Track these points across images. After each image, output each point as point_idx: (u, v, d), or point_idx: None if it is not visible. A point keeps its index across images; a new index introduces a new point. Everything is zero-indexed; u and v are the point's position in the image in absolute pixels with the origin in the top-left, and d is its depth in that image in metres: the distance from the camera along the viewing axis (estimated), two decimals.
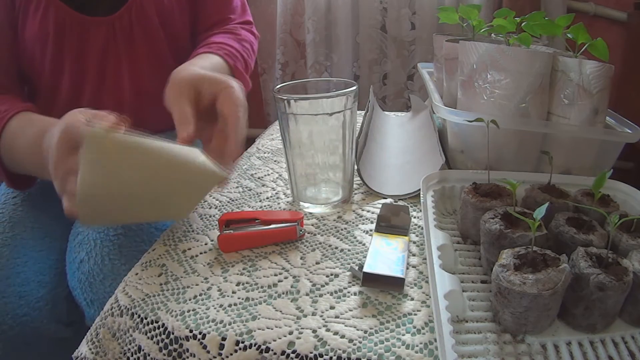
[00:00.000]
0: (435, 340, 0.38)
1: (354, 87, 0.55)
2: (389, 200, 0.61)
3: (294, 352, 0.38)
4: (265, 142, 0.86)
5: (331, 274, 0.47)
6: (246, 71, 0.79)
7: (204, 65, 0.67)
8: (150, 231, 0.61)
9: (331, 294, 0.45)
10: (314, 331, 0.40)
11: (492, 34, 0.75)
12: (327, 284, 0.46)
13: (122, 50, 0.75)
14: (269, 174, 0.71)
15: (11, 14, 0.69)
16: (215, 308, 0.43)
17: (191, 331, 0.41)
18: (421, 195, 0.53)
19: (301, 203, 0.60)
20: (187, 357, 0.40)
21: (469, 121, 0.55)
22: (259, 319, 0.41)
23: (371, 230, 0.54)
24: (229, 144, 0.51)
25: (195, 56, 0.72)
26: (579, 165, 0.60)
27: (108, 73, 0.75)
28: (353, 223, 0.56)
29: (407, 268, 0.48)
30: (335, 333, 0.40)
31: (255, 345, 0.39)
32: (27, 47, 0.70)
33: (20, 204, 0.71)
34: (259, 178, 0.70)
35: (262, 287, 0.46)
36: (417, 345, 0.38)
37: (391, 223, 0.53)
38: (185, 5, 0.80)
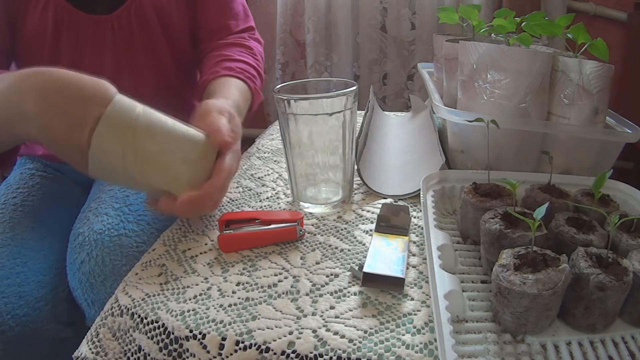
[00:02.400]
0: (435, 340, 0.38)
1: (354, 87, 0.55)
2: (389, 200, 0.61)
3: (294, 352, 0.38)
4: (265, 142, 0.86)
5: (331, 274, 0.47)
6: (261, 87, 0.79)
7: (235, 95, 0.66)
8: (150, 232, 0.61)
9: (331, 294, 0.45)
10: (314, 331, 0.40)
11: (492, 34, 0.75)
12: (327, 284, 0.46)
13: (120, 49, 0.75)
14: (269, 174, 0.71)
15: (10, 10, 0.68)
16: (215, 308, 0.43)
17: (191, 331, 0.41)
18: (421, 195, 0.53)
19: (301, 203, 0.60)
20: (187, 357, 0.40)
21: (469, 121, 0.55)
22: (259, 319, 0.41)
23: (371, 230, 0.54)
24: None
25: (220, 77, 0.71)
26: (579, 165, 0.60)
27: (105, 72, 0.75)
28: (353, 223, 0.56)
29: (407, 268, 0.48)
30: (335, 333, 0.40)
31: (255, 345, 0.39)
32: (24, 44, 0.70)
33: (21, 204, 0.71)
34: (259, 178, 0.70)
35: (262, 287, 0.46)
36: (417, 345, 0.38)
37: (391, 223, 0.53)
38: (184, 7, 0.80)
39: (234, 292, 0.45)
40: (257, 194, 0.65)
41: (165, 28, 0.78)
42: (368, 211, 0.59)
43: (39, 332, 0.61)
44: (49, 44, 0.70)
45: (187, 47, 0.83)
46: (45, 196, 0.75)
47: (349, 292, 0.45)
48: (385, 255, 0.47)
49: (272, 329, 0.40)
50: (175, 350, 0.41)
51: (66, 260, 0.63)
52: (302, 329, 0.40)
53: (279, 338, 0.39)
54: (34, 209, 0.71)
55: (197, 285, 0.46)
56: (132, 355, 0.43)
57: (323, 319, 0.41)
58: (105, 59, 0.74)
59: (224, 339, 0.40)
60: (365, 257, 0.47)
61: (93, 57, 0.73)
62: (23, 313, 0.59)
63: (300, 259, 0.50)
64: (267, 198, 0.63)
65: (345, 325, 0.40)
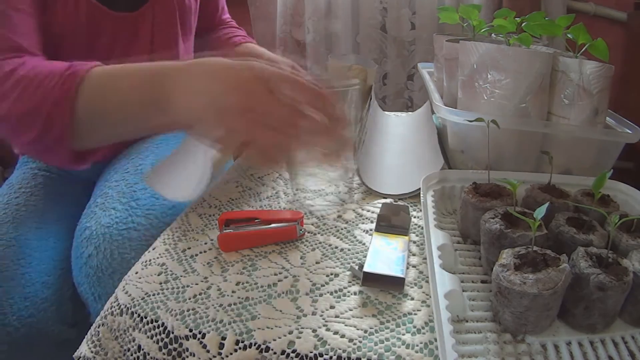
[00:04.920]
0: (436, 339, 0.38)
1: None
2: (389, 200, 0.61)
3: (294, 351, 0.38)
4: None
5: (331, 274, 0.47)
6: None
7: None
8: (159, 226, 0.61)
9: (331, 293, 0.45)
10: (314, 331, 0.40)
11: (493, 34, 0.75)
12: (327, 283, 0.46)
13: (141, 46, 0.75)
14: (269, 174, 0.71)
15: (39, 5, 0.67)
16: (215, 307, 0.43)
17: (191, 330, 0.41)
18: (421, 195, 0.53)
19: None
20: (187, 357, 0.40)
21: (469, 121, 0.55)
22: (258, 318, 0.41)
23: (371, 230, 0.54)
24: None
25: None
26: (579, 165, 0.60)
27: None
28: (353, 223, 0.56)
29: (407, 268, 0.48)
30: (335, 332, 0.40)
31: (255, 345, 0.39)
32: (54, 42, 0.69)
33: (24, 204, 0.71)
34: (258, 178, 0.70)
35: (262, 286, 0.46)
36: (417, 345, 0.38)
37: (391, 223, 0.53)
38: (197, 7, 0.85)
39: (233, 292, 0.45)
40: (257, 193, 0.65)
41: (184, 26, 0.80)
42: (368, 211, 0.59)
43: (44, 333, 0.61)
44: (83, 43, 0.69)
45: (192, 43, 0.86)
46: (48, 195, 0.74)
47: (349, 292, 0.45)
48: (385, 255, 0.47)
49: (272, 329, 0.40)
50: (174, 349, 0.41)
51: (70, 259, 0.63)
52: (302, 328, 0.40)
53: (279, 337, 0.39)
54: (37, 208, 0.71)
55: (196, 284, 0.46)
56: (131, 355, 0.43)
57: (323, 319, 0.41)
58: (129, 56, 0.74)
59: (223, 338, 0.40)
60: (365, 256, 0.47)
61: (120, 55, 0.74)
62: (28, 314, 0.59)
63: (300, 258, 0.50)
64: (267, 197, 0.63)
65: (345, 325, 0.40)
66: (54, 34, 0.69)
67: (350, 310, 0.42)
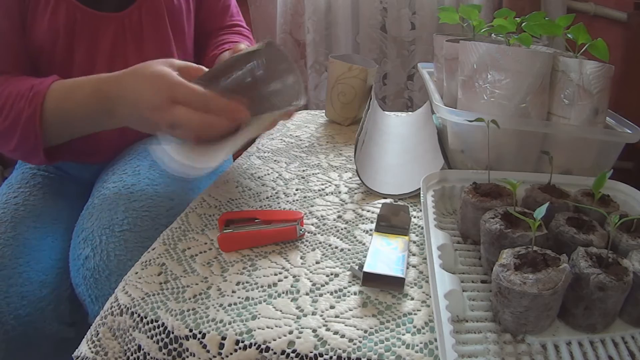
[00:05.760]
0: (436, 339, 0.38)
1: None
2: (389, 200, 0.61)
3: (294, 351, 0.38)
4: (265, 142, 0.86)
5: (331, 274, 0.47)
6: None
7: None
8: (155, 227, 0.61)
9: (331, 293, 0.45)
10: (314, 331, 0.40)
11: (493, 34, 0.75)
12: (327, 283, 0.46)
13: (130, 48, 0.75)
14: (269, 174, 0.71)
15: (22, 11, 0.68)
16: (215, 307, 0.43)
17: (191, 330, 0.41)
18: (421, 195, 0.53)
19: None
20: (187, 357, 0.40)
21: (469, 121, 0.55)
22: (258, 318, 0.41)
23: (371, 230, 0.54)
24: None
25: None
26: (579, 165, 0.60)
27: (117, 68, 0.75)
28: (353, 223, 0.56)
29: (407, 268, 0.48)
30: (336, 332, 0.40)
31: (255, 345, 0.39)
32: (36, 45, 0.70)
33: (22, 203, 0.71)
34: (258, 178, 0.70)
35: (262, 286, 0.46)
36: (417, 345, 0.38)
37: (391, 223, 0.53)
38: (192, 8, 0.84)
39: (233, 292, 0.45)
40: (257, 193, 0.65)
41: (175, 27, 0.79)
42: (368, 211, 0.59)
43: (42, 332, 0.61)
44: (62, 44, 0.70)
45: (191, 46, 0.84)
46: (46, 195, 0.74)
47: (349, 292, 0.45)
48: (385, 255, 0.47)
49: (272, 329, 0.40)
50: (175, 349, 0.41)
51: (68, 258, 0.63)
52: (302, 328, 0.40)
53: (279, 337, 0.39)
54: (35, 208, 0.71)
55: (196, 284, 0.46)
56: (131, 355, 0.43)
57: (323, 319, 0.41)
58: (116, 58, 0.74)
59: (223, 338, 0.40)
60: (365, 256, 0.47)
61: (105, 56, 0.73)
62: (25, 313, 0.59)
63: (300, 258, 0.50)
64: (267, 198, 0.63)
65: (346, 325, 0.40)
66: (34, 47, 0.70)
67: (350, 310, 0.42)
